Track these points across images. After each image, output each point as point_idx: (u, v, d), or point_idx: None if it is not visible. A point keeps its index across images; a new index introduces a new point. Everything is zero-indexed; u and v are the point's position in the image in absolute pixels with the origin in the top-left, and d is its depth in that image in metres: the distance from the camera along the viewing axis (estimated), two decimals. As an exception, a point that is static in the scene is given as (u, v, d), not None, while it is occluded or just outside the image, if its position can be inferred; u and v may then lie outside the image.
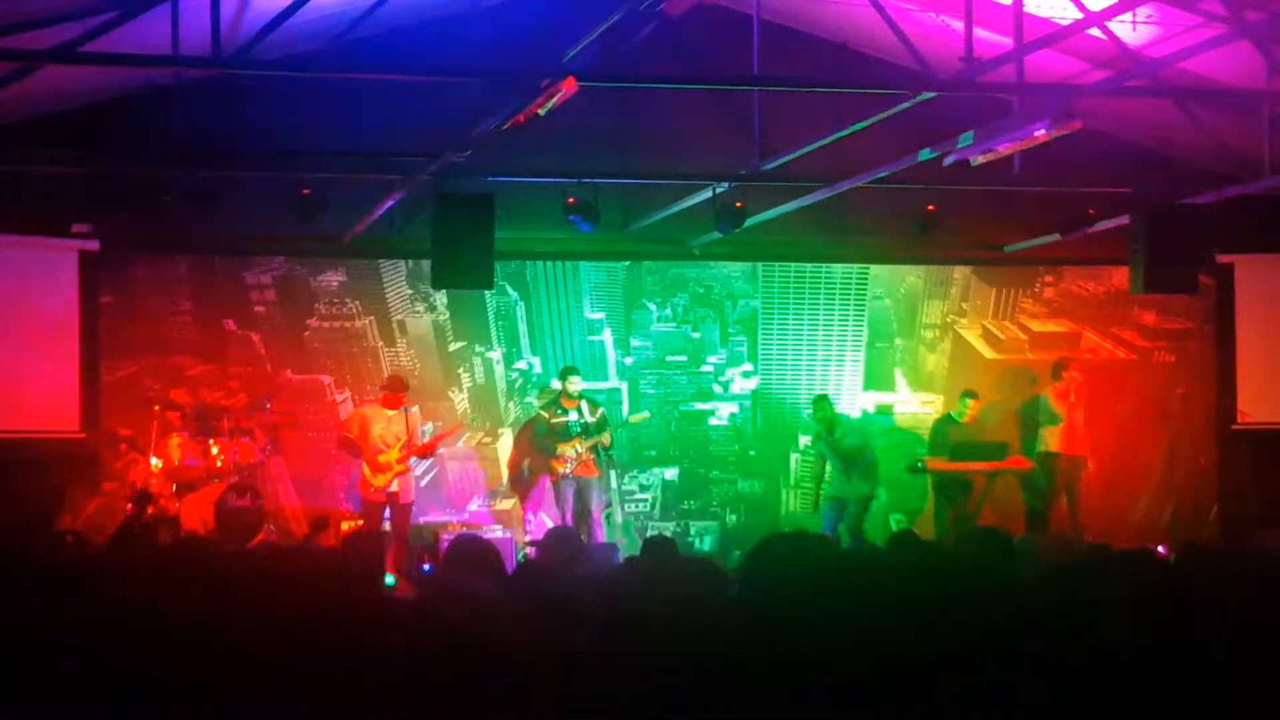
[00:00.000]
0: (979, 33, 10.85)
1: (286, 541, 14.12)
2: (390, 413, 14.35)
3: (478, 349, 15.89)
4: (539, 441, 14.95)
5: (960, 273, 16.72)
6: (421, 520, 14.94)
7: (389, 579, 12.38)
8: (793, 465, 16.40)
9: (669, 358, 16.31)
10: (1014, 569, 6.04)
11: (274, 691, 3.89)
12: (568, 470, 14.72)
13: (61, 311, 14.48)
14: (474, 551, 6.75)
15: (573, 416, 14.81)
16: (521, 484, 15.75)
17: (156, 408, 14.16)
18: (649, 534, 14.95)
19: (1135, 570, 6.07)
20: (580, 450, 14.72)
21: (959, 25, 10.89)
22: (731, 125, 14.28)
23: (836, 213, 15.29)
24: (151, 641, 4.13)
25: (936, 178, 13.84)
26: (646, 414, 15.59)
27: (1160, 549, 13.26)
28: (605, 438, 14.86)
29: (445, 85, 11.99)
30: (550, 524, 15.26)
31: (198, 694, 3.94)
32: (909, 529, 14.23)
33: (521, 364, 15.98)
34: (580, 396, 14.89)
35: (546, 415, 14.91)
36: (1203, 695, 4.23)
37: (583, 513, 14.77)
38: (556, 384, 15.59)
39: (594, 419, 14.87)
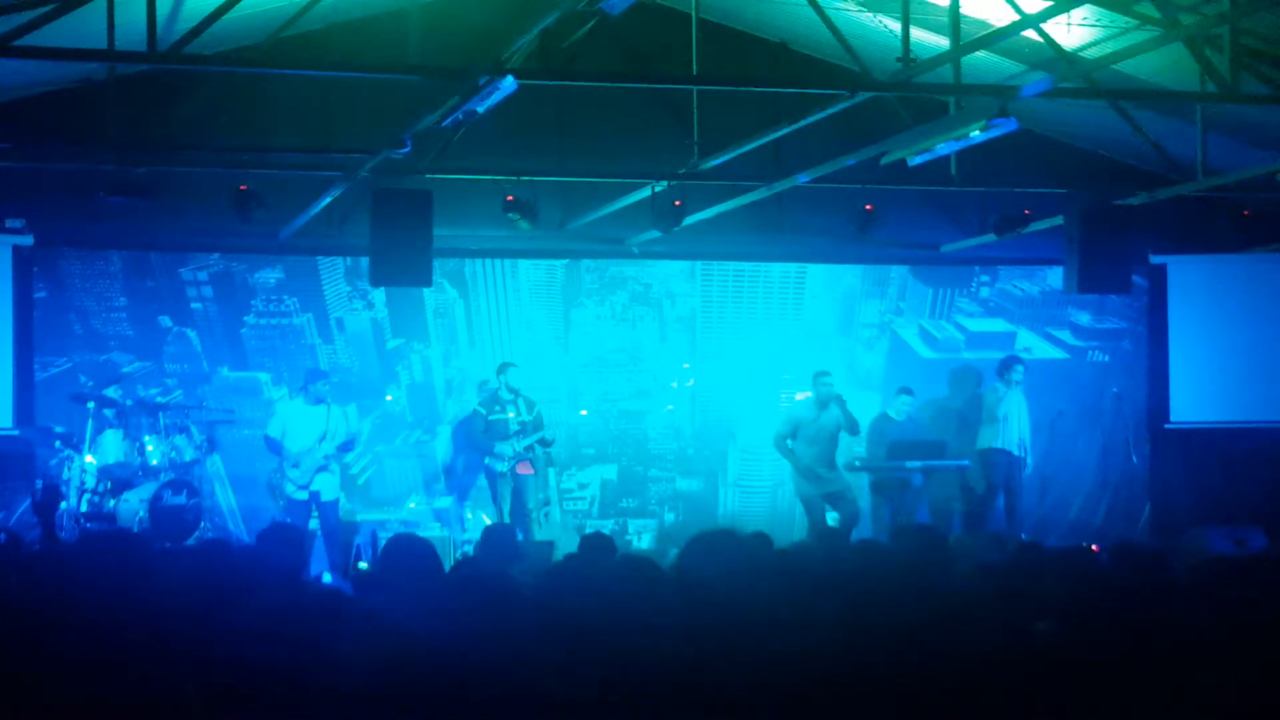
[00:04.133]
0: (916, 33, 10.92)
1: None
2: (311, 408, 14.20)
3: (416, 346, 15.83)
4: (476, 439, 14.87)
5: (897, 272, 16.80)
6: (358, 518, 14.86)
7: (326, 577, 12.28)
8: (731, 463, 16.43)
9: (608, 355, 16.30)
10: (948, 567, 6.09)
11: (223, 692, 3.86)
12: (505, 468, 14.67)
13: (-6, 306, 14.34)
14: (410, 550, 6.74)
15: (510, 414, 14.75)
16: (458, 482, 15.70)
17: (91, 404, 14.00)
18: (587, 532, 14.93)
19: (1068, 568, 6.13)
20: (518, 448, 14.67)
21: (897, 26, 10.95)
22: (670, 124, 14.30)
23: (775, 212, 15.33)
24: (83, 638, 4.09)
25: (874, 178, 13.92)
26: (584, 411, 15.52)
27: (1093, 548, 13.35)
28: (547, 435, 14.82)
29: (384, 82, 11.94)
30: (488, 522, 15.22)
31: (134, 691, 3.90)
32: (833, 526, 14.31)
33: (460, 361, 15.93)
34: (517, 394, 14.81)
35: (484, 412, 14.83)
36: (1133, 690, 4.28)
37: (519, 511, 14.72)
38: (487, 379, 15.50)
39: (530, 417, 14.82)
